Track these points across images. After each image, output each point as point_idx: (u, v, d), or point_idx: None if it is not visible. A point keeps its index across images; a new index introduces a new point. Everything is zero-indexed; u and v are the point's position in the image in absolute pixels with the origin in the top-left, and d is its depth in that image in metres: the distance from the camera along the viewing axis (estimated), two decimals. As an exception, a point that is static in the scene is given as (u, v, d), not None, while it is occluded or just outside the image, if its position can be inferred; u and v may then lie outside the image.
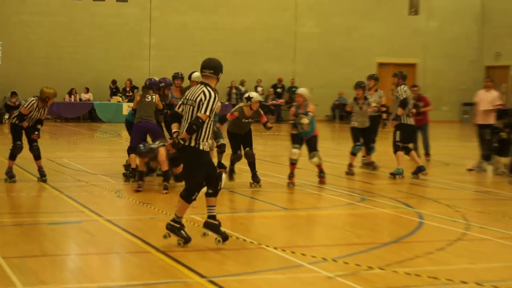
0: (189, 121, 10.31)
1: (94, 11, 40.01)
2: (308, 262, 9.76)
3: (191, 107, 10.35)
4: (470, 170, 19.91)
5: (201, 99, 10.24)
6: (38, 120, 15.85)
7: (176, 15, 40.65)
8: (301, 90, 16.83)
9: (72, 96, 37.66)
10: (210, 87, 10.39)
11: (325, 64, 41.89)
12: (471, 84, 41.03)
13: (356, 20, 43.55)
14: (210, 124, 10.47)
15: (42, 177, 16.01)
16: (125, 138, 18.05)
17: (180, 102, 10.70)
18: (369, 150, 19.45)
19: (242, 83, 40.70)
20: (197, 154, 10.37)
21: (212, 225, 10.58)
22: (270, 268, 9.47)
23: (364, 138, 18.92)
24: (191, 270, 9.22)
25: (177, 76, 17.95)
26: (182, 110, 10.56)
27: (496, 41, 45.28)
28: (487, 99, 19.24)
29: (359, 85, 19.15)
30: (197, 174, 10.49)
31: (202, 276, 8.92)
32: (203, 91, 10.33)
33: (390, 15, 44.34)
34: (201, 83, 10.50)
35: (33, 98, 15.67)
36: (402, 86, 18.48)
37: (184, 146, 10.34)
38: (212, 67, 10.42)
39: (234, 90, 40.30)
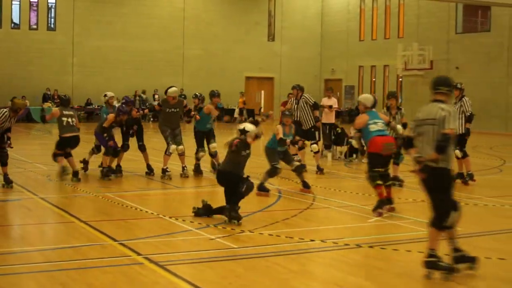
0: (430, 141, 7.57)
1: (32, 38, 39.95)
2: (195, 228, 9.74)
3: (432, 126, 7.60)
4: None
5: (445, 116, 7.51)
6: (7, 128, 13.24)
7: (93, 40, 40.39)
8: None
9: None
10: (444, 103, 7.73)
11: (206, 78, 42.02)
12: (316, 92, 41.72)
13: (229, 45, 43.91)
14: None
15: (9, 184, 13.14)
16: (55, 134, 17.47)
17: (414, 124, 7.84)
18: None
19: (144, 92, 40.76)
20: (447, 175, 7.62)
21: None
22: (167, 233, 9.40)
23: None
24: (106, 235, 9.11)
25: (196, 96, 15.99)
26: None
27: (331, 60, 46.30)
28: (328, 104, 19.48)
29: (392, 95, 14.90)
30: (448, 196, 7.61)
31: (115, 240, 8.83)
32: (441, 108, 7.62)
33: (254, 41, 44.91)
34: (435, 100, 7.80)
35: (5, 110, 13.18)
36: (307, 95, 17.08)
37: (433, 168, 7.53)
38: (448, 85, 7.88)
39: (137, 98, 40.05)
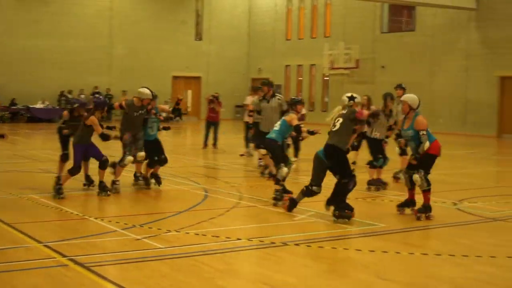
0: None
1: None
2: (121, 228, 9.70)
3: None
4: (241, 155, 20.26)
5: None
6: None
7: (18, 39, 39.61)
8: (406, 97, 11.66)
9: None
10: None
11: (133, 77, 41.67)
12: (243, 91, 41.91)
13: (157, 44, 43.66)
14: None
15: None
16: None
17: None
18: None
19: (70, 91, 40.01)
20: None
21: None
22: (92, 234, 9.33)
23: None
24: (31, 237, 8.99)
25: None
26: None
27: (259, 60, 46.52)
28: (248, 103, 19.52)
29: (386, 96, 14.71)
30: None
31: (39, 242, 8.73)
32: None
33: (182, 40, 44.78)
34: None
35: None
36: (281, 96, 15.84)
37: None
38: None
39: (63, 98, 39.46)
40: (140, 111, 13.33)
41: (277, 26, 45.61)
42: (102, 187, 12.64)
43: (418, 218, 10.77)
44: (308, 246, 8.87)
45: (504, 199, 13.09)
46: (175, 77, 44.62)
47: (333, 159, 10.59)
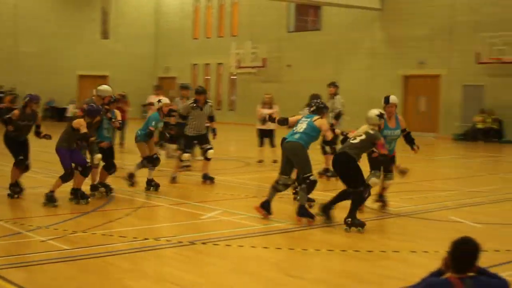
0: None
1: None
2: (25, 230, 9.53)
3: None
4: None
5: None
6: None
7: None
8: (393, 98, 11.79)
9: None
10: None
11: (40, 76, 41.14)
12: (150, 90, 41.64)
13: (63, 42, 43.05)
14: None
15: None
16: None
17: None
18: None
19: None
20: None
21: None
22: (-4, 236, 9.16)
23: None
24: None
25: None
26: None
27: (166, 58, 46.37)
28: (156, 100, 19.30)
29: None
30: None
31: None
32: None
33: (88, 38, 44.29)
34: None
35: None
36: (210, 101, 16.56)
37: None
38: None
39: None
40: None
41: (184, 24, 45.52)
42: (82, 195, 11.83)
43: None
44: (215, 244, 8.90)
45: (407, 195, 13.41)
46: (81, 76, 44.02)
47: (345, 167, 10.31)
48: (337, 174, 10.74)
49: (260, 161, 18.32)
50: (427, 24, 32.94)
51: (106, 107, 12.67)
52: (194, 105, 14.46)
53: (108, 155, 12.79)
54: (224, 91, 42.78)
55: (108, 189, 12.83)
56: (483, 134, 29.83)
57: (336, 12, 36.37)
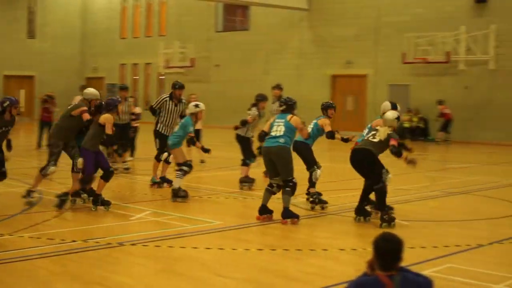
0: None
1: None
2: (-50, 234, 9.33)
3: None
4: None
5: None
6: None
7: None
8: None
9: None
10: None
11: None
12: (77, 91, 41.11)
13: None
14: None
15: None
16: None
17: None
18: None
19: None
20: None
21: None
22: None
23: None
24: None
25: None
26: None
27: (93, 58, 45.88)
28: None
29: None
30: None
31: None
32: None
33: (13, 38, 43.45)
34: None
35: None
36: (129, 98, 16.45)
37: None
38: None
39: None
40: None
41: (112, 24, 45.11)
42: (103, 201, 11.43)
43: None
44: (144, 245, 8.86)
45: (336, 193, 13.55)
46: (6, 76, 43.17)
47: (366, 162, 10.67)
48: (356, 169, 10.97)
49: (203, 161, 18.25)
50: (354, 25, 33.38)
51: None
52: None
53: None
54: (152, 91, 42.50)
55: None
56: (410, 133, 30.34)
57: (264, 12, 36.55)
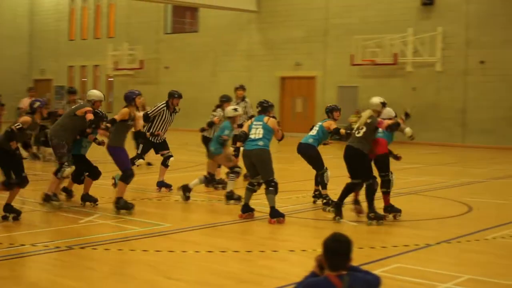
0: None
1: None
2: None
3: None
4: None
5: None
6: None
7: None
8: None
9: None
10: None
11: None
12: (24, 93, 40.60)
13: None
14: None
15: None
16: None
17: None
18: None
19: None
20: None
21: None
22: None
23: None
24: None
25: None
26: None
27: (41, 60, 45.35)
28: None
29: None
30: None
31: None
32: None
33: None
34: None
35: None
36: (79, 101, 15.72)
37: None
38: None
39: None
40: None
41: (60, 26, 44.66)
42: (124, 204, 11.26)
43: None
44: (94, 249, 8.78)
45: (285, 195, 13.58)
46: None
47: (355, 160, 10.85)
48: (346, 166, 11.06)
49: (138, 165, 17.99)
50: (302, 26, 33.55)
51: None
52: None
53: (85, 164, 12.06)
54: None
55: (70, 195, 12.52)
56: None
57: (213, 14, 36.53)
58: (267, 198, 10.86)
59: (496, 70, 28.56)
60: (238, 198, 12.42)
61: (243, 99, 15.82)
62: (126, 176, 11.29)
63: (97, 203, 11.93)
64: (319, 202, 12.55)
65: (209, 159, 13.20)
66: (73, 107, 12.09)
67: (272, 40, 34.82)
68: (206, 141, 14.49)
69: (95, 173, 12.08)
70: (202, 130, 14.49)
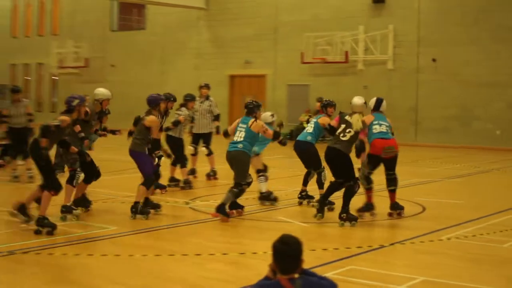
0: None
1: None
2: None
3: None
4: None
5: None
6: None
7: None
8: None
9: None
10: None
11: None
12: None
13: None
14: None
15: None
16: None
17: None
18: None
19: None
20: None
21: None
22: None
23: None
24: None
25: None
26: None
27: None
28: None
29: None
30: None
31: None
32: None
33: None
34: None
35: None
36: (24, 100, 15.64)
37: None
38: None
39: None
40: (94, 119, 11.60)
41: (2, 23, 44.02)
42: (144, 209, 11.11)
43: (360, 216, 11.24)
44: (37, 254, 8.59)
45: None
46: None
47: (337, 161, 10.95)
48: (329, 167, 11.11)
49: None
50: (252, 24, 33.54)
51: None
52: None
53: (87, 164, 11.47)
54: (45, 92, 41.67)
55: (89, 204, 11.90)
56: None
57: (161, 11, 36.34)
58: (226, 194, 11.06)
59: (448, 68, 28.91)
60: (275, 199, 12.70)
61: (207, 97, 15.92)
62: (149, 182, 11.18)
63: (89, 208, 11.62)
64: (305, 203, 12.74)
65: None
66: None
67: (222, 38, 34.75)
68: (170, 140, 14.44)
69: (93, 175, 11.55)
70: (167, 129, 14.37)
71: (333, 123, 11.50)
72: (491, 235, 10.24)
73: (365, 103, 11.25)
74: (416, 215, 12.01)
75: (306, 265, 4.41)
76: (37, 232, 9.70)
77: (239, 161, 11.10)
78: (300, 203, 12.78)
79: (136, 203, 11.08)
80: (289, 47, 32.43)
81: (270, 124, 12.56)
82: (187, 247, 9.16)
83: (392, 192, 11.60)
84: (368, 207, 11.66)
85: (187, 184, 14.64)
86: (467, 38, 28.49)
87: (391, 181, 11.57)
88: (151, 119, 11.27)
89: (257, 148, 12.55)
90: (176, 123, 14.36)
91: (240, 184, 11.08)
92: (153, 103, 11.51)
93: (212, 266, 8.21)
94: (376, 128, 11.38)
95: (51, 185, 9.86)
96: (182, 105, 14.78)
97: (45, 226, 9.73)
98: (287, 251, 4.32)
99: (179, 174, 14.73)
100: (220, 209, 11.01)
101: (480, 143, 28.19)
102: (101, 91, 11.85)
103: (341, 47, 30.89)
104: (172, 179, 14.71)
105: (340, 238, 10.11)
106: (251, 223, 11.05)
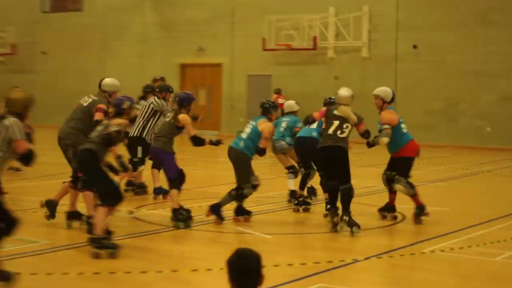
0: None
1: None
2: None
3: None
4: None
5: None
6: None
7: None
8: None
9: None
10: None
11: None
12: None
13: None
14: None
15: None
16: None
17: None
18: None
19: None
20: None
21: None
22: None
23: None
24: None
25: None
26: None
27: None
28: None
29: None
30: None
31: None
32: None
33: None
34: None
35: None
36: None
37: None
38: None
39: None
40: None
41: None
42: (185, 215, 11.41)
43: (417, 223, 11.90)
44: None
45: (190, 203, 13.48)
46: None
47: (337, 161, 11.20)
48: (327, 167, 11.43)
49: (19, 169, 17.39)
50: (206, 6, 33.52)
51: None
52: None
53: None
54: (-36, 83, 41.24)
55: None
56: (272, 130, 30.65)
57: (100, -10, 36.18)
58: (226, 195, 11.66)
59: (431, 56, 29.13)
60: (315, 195, 13.66)
61: None
62: (176, 183, 11.46)
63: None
64: (301, 210, 12.99)
65: (276, 155, 13.85)
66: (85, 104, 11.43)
67: (170, 21, 34.65)
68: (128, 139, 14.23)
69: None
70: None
71: (316, 115, 12.05)
72: (481, 247, 10.32)
73: (353, 95, 11.52)
74: (395, 224, 12.08)
75: (268, 283, 4.40)
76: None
77: (240, 165, 11.68)
78: (297, 210, 12.84)
79: (175, 210, 11.30)
80: (248, 32, 32.42)
81: (295, 112, 13.73)
82: (131, 264, 9.10)
83: (394, 194, 12.19)
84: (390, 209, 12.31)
85: (142, 189, 14.57)
86: (453, 21, 28.74)
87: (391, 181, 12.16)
88: (184, 118, 11.66)
89: (289, 139, 13.41)
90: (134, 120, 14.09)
91: (241, 188, 11.56)
92: (186, 101, 11.91)
93: (159, 285, 8.18)
94: (405, 128, 12.27)
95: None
96: (141, 98, 14.78)
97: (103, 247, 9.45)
98: (244, 266, 4.30)
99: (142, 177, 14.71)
100: (214, 209, 11.51)
101: (468, 141, 28.47)
102: (108, 82, 11.70)
103: (309, 32, 30.97)
104: (130, 183, 14.56)
105: (308, 251, 10.14)
106: (205, 235, 11.02)
